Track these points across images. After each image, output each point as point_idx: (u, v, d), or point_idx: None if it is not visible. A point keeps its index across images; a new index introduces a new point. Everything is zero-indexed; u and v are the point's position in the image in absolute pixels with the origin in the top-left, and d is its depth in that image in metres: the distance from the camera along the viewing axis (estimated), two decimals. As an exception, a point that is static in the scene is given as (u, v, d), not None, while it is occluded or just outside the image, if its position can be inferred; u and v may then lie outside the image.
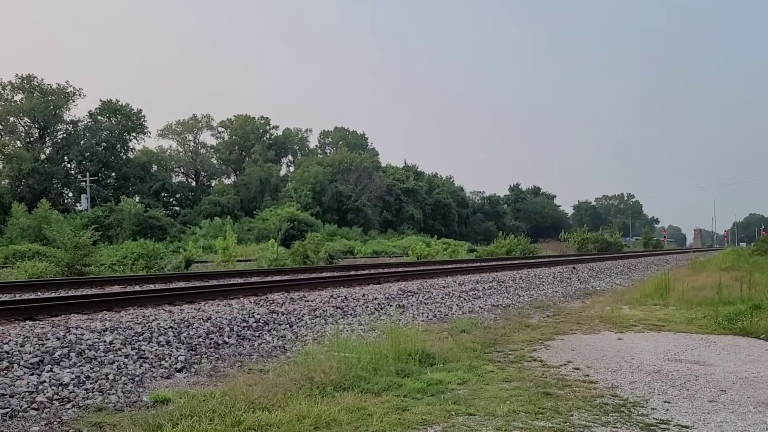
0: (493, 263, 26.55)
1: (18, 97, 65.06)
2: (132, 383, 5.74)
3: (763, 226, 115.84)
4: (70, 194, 67.01)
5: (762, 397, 5.43)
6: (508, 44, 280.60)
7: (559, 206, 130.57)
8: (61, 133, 67.45)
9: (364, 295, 11.65)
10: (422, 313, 10.99)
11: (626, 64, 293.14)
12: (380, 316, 10.18)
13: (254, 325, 8.44)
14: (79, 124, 67.96)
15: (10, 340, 6.17)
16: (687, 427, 4.55)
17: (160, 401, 5.12)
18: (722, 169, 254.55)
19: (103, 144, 67.91)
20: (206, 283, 14.31)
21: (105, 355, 6.25)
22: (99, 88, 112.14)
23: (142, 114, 71.33)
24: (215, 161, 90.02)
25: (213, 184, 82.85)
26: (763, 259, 27.09)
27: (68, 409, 4.95)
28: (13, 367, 5.55)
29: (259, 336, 8.09)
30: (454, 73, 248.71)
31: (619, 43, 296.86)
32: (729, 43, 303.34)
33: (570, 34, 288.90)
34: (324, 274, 17.96)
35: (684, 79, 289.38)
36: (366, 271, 20.03)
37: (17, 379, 5.31)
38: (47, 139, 66.88)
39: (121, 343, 6.67)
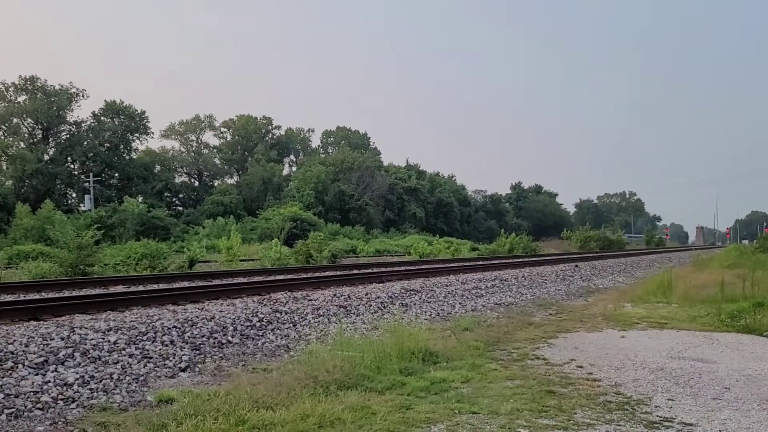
0: (496, 262, 26.54)
1: (21, 99, 65.12)
2: (136, 383, 5.76)
3: (765, 224, 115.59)
4: (74, 195, 67.15)
5: (766, 394, 5.42)
6: (510, 44, 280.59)
7: (561, 204, 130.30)
8: (64, 134, 67.53)
9: (367, 294, 11.65)
10: (425, 312, 11.00)
11: (627, 63, 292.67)
12: (383, 314, 10.19)
13: (258, 324, 8.45)
14: (83, 125, 68.02)
15: (14, 341, 6.19)
16: (691, 424, 4.54)
17: (165, 401, 5.14)
18: (724, 167, 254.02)
19: (107, 145, 67.96)
20: (210, 283, 14.34)
21: (109, 355, 6.27)
22: (101, 90, 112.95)
23: (145, 115, 71.46)
24: (218, 161, 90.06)
25: (216, 184, 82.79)
26: (766, 256, 27.03)
27: (73, 408, 4.97)
28: (17, 367, 5.57)
29: (262, 335, 8.11)
30: (455, 72, 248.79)
31: (620, 41, 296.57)
32: (730, 39, 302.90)
33: (571, 34, 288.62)
34: (327, 274, 17.97)
35: (685, 77, 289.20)
36: (369, 270, 20.03)
37: (22, 379, 5.34)
38: (50, 140, 66.98)
39: (126, 343, 6.69)
